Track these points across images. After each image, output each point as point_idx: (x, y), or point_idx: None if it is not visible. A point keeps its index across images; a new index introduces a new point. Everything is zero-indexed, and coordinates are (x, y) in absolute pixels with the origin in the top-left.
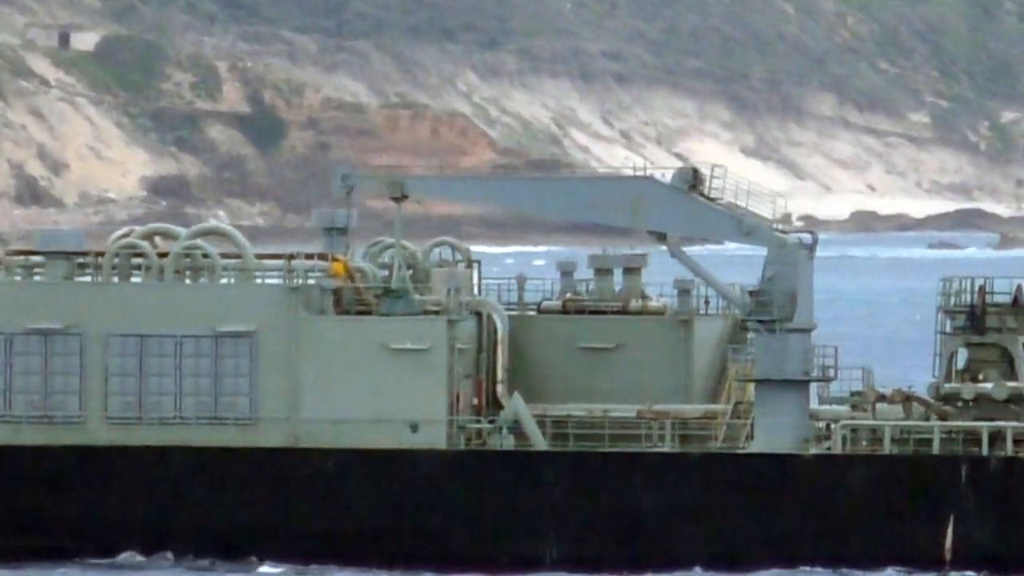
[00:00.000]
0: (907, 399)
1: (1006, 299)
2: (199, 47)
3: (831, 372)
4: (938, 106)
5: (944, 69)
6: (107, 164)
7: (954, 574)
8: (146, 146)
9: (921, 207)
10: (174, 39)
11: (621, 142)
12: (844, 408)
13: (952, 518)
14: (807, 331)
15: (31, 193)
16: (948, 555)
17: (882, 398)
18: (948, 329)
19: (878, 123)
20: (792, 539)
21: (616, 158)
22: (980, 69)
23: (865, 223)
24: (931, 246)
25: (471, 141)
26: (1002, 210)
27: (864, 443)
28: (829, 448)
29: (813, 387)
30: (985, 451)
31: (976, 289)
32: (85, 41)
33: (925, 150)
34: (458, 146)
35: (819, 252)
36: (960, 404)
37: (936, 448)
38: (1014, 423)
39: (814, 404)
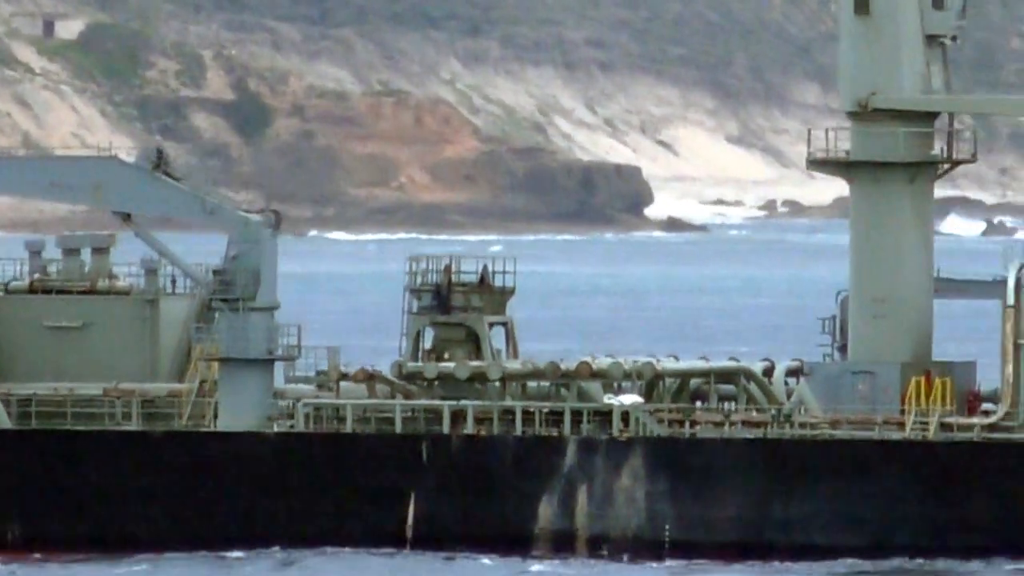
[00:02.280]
0: (370, 378)
1: (472, 278)
2: (183, 35)
3: (295, 351)
4: None
5: None
6: (92, 152)
7: (414, 552)
8: (131, 134)
9: None
10: (158, 27)
11: (605, 130)
12: (308, 387)
13: (413, 496)
14: (271, 310)
15: None
16: (409, 533)
17: (345, 377)
18: (415, 309)
19: None
20: (258, 518)
21: (600, 146)
22: (964, 58)
23: (847, 209)
24: None
25: (454, 129)
26: (987, 197)
27: (329, 422)
28: (292, 426)
29: (279, 366)
30: (446, 429)
31: (442, 268)
32: (69, 29)
33: None
34: (441, 134)
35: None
36: (424, 383)
37: (398, 427)
38: (475, 402)
39: (280, 383)
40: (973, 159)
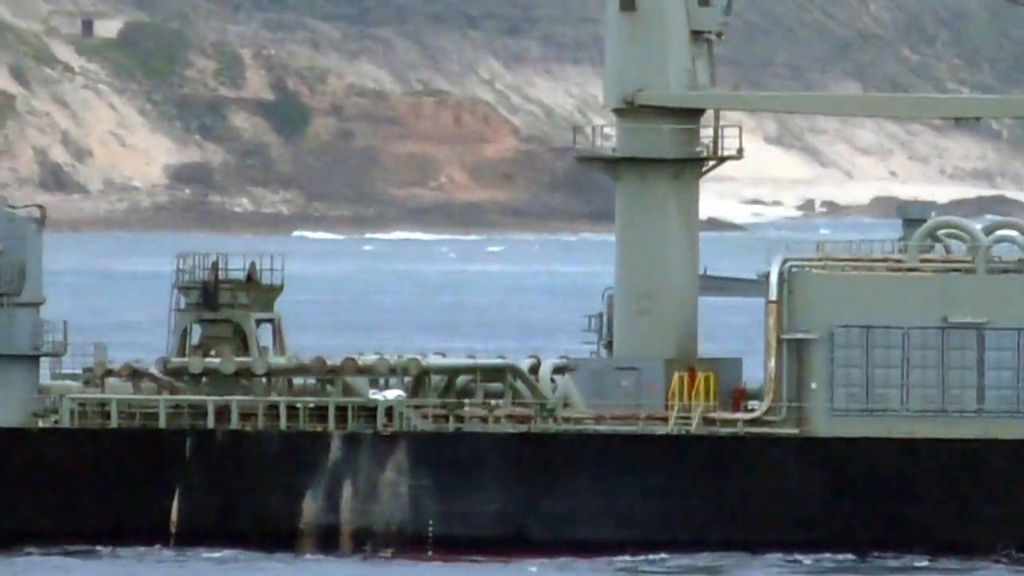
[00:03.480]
0: (135, 374)
1: (240, 276)
2: (222, 34)
3: (61, 347)
4: (960, 93)
5: (967, 57)
6: (131, 151)
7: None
8: (170, 133)
9: (943, 193)
10: (197, 26)
11: None
12: (74, 383)
13: (178, 492)
14: (36, 305)
15: (55, 179)
16: (174, 527)
17: (111, 373)
18: (182, 305)
19: None
20: (23, 514)
21: None
22: (1002, 56)
23: (886, 209)
24: None
25: (494, 128)
26: None
27: (94, 418)
28: (57, 422)
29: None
30: (211, 424)
31: (209, 265)
32: (108, 28)
33: (948, 137)
34: (480, 133)
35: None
36: (190, 379)
37: (162, 422)
38: (240, 397)
39: (46, 379)
40: (739, 156)
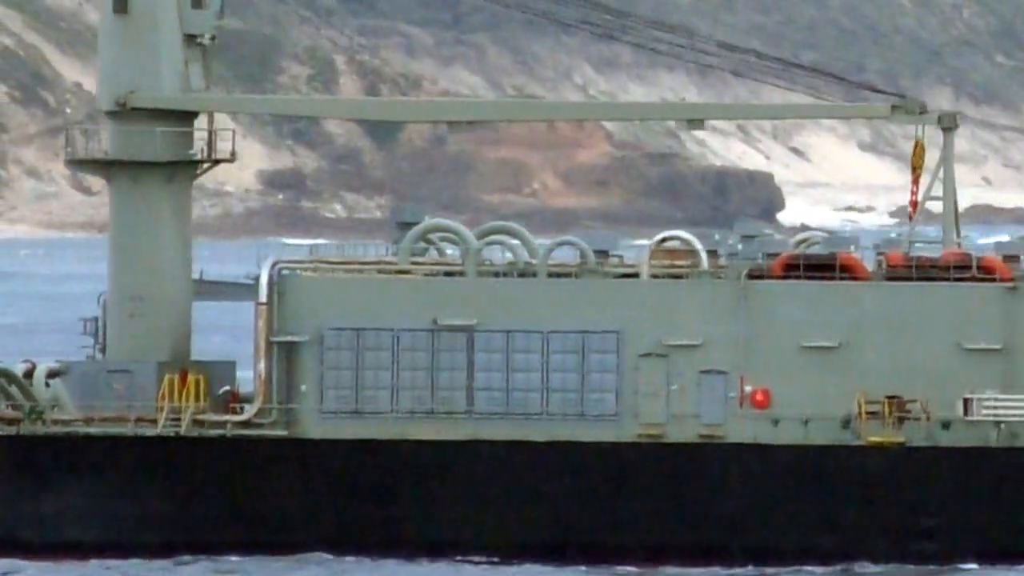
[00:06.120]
0: None
1: None
2: (316, 40)
3: None
4: None
5: None
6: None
7: None
8: (263, 139)
9: None
10: (290, 32)
11: (738, 135)
12: None
13: None
14: None
15: None
16: None
17: None
18: None
19: (995, 117)
20: None
21: (733, 151)
22: None
23: (981, 216)
24: None
25: (587, 134)
26: None
27: None
28: None
29: None
30: None
31: None
32: None
33: None
34: (574, 139)
35: None
36: None
37: None
38: None
39: None
40: (232, 159)
